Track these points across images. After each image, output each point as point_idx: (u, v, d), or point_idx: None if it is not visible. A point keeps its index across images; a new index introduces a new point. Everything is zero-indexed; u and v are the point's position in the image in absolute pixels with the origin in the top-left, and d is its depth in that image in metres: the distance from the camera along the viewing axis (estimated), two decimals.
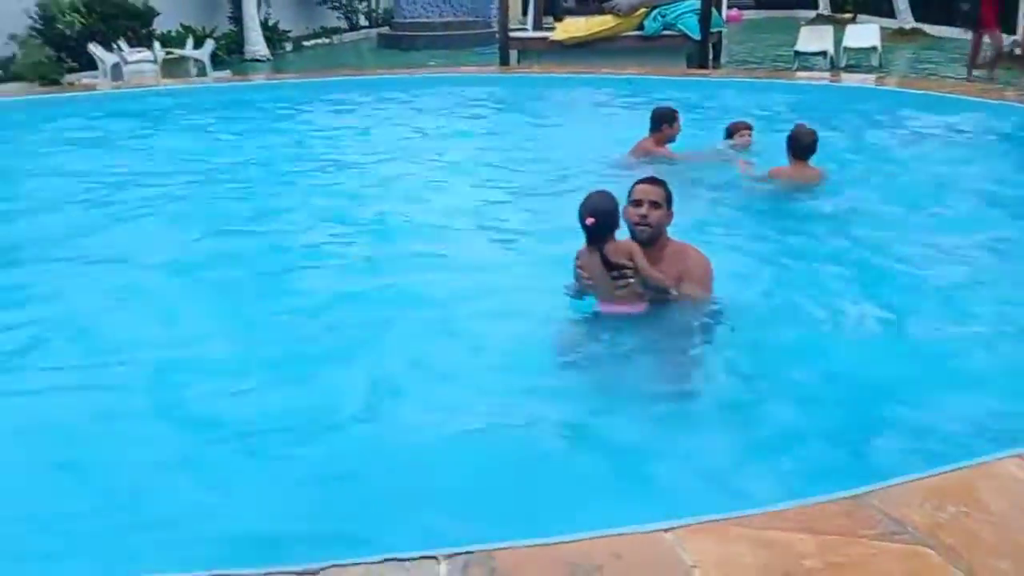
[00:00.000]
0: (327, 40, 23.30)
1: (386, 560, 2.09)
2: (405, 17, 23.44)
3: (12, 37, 13.88)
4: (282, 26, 21.11)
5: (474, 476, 2.85)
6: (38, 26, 14.58)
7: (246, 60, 18.65)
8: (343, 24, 25.44)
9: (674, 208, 3.79)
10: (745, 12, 28.39)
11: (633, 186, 3.77)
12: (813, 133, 6.03)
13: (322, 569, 2.07)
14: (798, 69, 13.87)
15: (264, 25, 19.76)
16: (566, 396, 3.42)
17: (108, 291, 4.61)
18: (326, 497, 2.79)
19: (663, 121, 6.74)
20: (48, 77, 13.07)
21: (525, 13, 16.08)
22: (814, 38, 14.60)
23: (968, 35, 13.50)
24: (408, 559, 2.09)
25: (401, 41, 21.75)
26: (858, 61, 14.46)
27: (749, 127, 7.18)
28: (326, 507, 2.74)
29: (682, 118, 6.84)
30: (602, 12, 14.49)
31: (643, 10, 13.95)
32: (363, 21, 26.34)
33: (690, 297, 3.73)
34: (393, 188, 6.78)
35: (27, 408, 3.40)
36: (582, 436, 3.14)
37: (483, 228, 5.59)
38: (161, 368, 3.65)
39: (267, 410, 3.31)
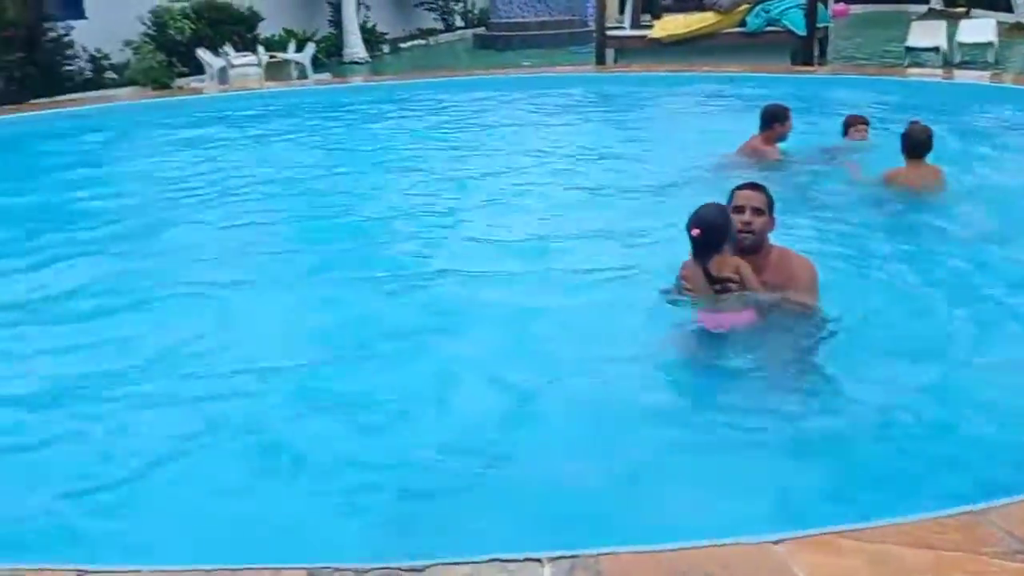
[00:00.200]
0: (423, 41, 23.65)
1: (491, 560, 2.08)
2: (501, 17, 23.58)
3: (127, 43, 14.54)
4: (379, 28, 21.54)
5: (577, 481, 2.81)
6: (151, 32, 15.24)
7: (345, 62, 19.09)
8: (439, 25, 25.78)
9: (780, 214, 3.69)
10: (852, 7, 27.52)
11: (734, 192, 3.70)
12: (928, 130, 5.77)
13: (428, 567, 2.07)
14: (909, 65, 13.35)
15: (362, 28, 20.19)
16: (669, 404, 3.36)
17: (208, 287, 4.76)
18: (433, 496, 2.80)
19: (774, 119, 6.50)
20: (159, 81, 13.65)
21: (622, 11, 15.95)
22: (926, 33, 14.02)
23: None
24: (512, 560, 2.07)
25: (497, 41, 21.89)
26: (973, 57, 13.82)
27: (866, 122, 6.97)
28: (434, 506, 2.75)
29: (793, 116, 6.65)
30: (702, 9, 14.25)
31: (745, 6, 13.65)
32: (459, 22, 26.63)
33: (796, 306, 3.61)
34: (489, 189, 6.78)
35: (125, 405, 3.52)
36: (685, 445, 3.07)
37: (581, 231, 5.50)
38: (266, 372, 3.68)
39: (377, 411, 3.34)
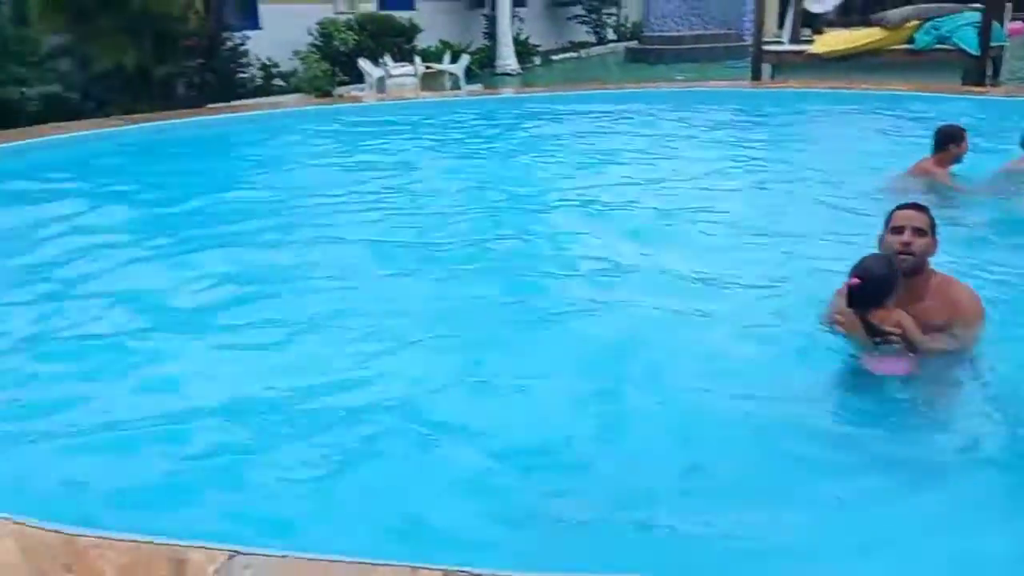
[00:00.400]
0: (575, 54, 23.79)
1: None
2: (654, 31, 23.44)
3: (295, 53, 15.35)
4: (532, 41, 21.81)
5: (707, 511, 2.74)
6: (317, 43, 16.02)
7: (497, 74, 19.43)
8: (591, 38, 25.87)
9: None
10: None
11: (893, 212, 3.54)
12: None
13: None
14: None
15: (516, 40, 20.50)
16: (816, 440, 3.17)
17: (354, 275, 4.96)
18: (573, 508, 2.79)
19: (949, 140, 6.11)
20: (322, 89, 14.31)
21: (781, 26, 15.49)
22: None
23: None
24: None
25: (649, 55, 21.76)
26: None
27: None
28: (571, 517, 2.74)
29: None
30: (867, 24, 13.67)
31: (913, 22, 13.02)
32: (611, 35, 26.64)
33: (961, 342, 3.40)
34: (634, 205, 6.70)
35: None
36: (826, 490, 2.87)
37: (732, 252, 5.34)
38: (411, 379, 3.74)
39: (509, 426, 3.34)
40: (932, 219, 3.51)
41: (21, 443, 3.25)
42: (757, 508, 2.76)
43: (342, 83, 15.17)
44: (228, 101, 13.38)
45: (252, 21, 15.83)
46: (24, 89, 10.93)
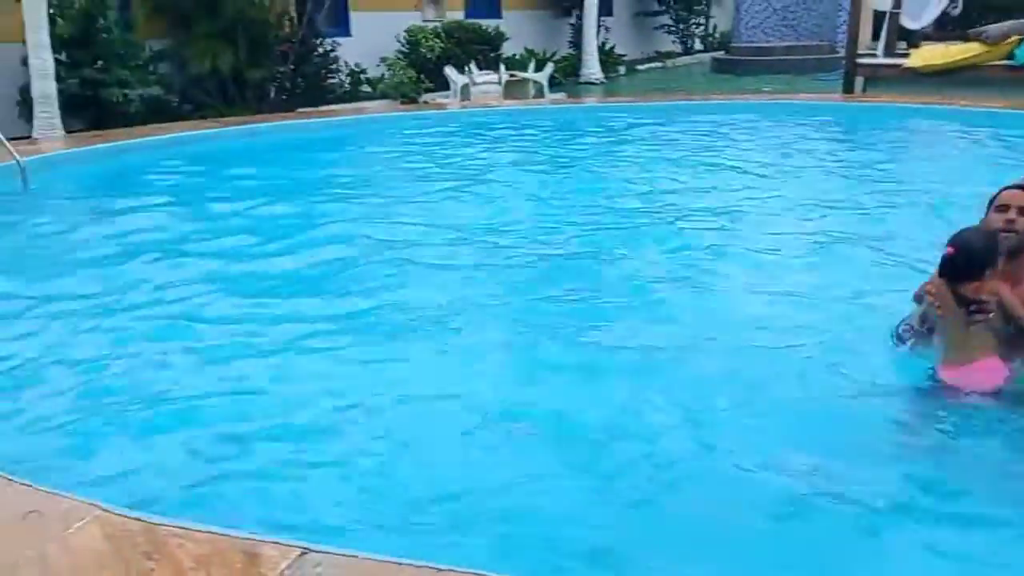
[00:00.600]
0: (660, 64, 23.62)
1: None
2: (743, 41, 23.11)
3: (383, 59, 15.65)
4: (618, 50, 21.74)
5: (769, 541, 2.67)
6: (404, 50, 16.30)
7: (581, 83, 19.42)
8: (678, 48, 25.64)
9: None
10: None
11: (999, 192, 3.47)
12: None
13: None
14: None
15: (601, 49, 20.47)
16: (891, 473, 3.03)
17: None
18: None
19: None
20: (408, 95, 14.55)
21: (876, 38, 15.07)
22: None
23: None
24: None
25: (737, 66, 21.43)
26: None
27: None
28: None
29: None
30: (965, 39, 13.22)
31: (1015, 38, 12.51)
32: (698, 45, 26.36)
33: None
34: (716, 217, 6.59)
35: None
36: (904, 529, 2.73)
37: (817, 272, 5.19)
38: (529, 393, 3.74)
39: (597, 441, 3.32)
40: None
41: (114, 432, 3.38)
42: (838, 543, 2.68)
43: (427, 90, 15.39)
44: (317, 106, 13.72)
45: (343, 28, 16.22)
46: (127, 91, 11.41)
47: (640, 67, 22.68)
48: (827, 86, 15.59)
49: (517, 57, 17.95)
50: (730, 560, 2.58)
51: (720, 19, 27.35)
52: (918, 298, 3.47)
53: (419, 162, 9.57)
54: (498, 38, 17.92)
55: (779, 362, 3.87)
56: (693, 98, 14.35)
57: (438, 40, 16.52)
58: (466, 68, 15.44)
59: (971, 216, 3.61)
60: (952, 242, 3.20)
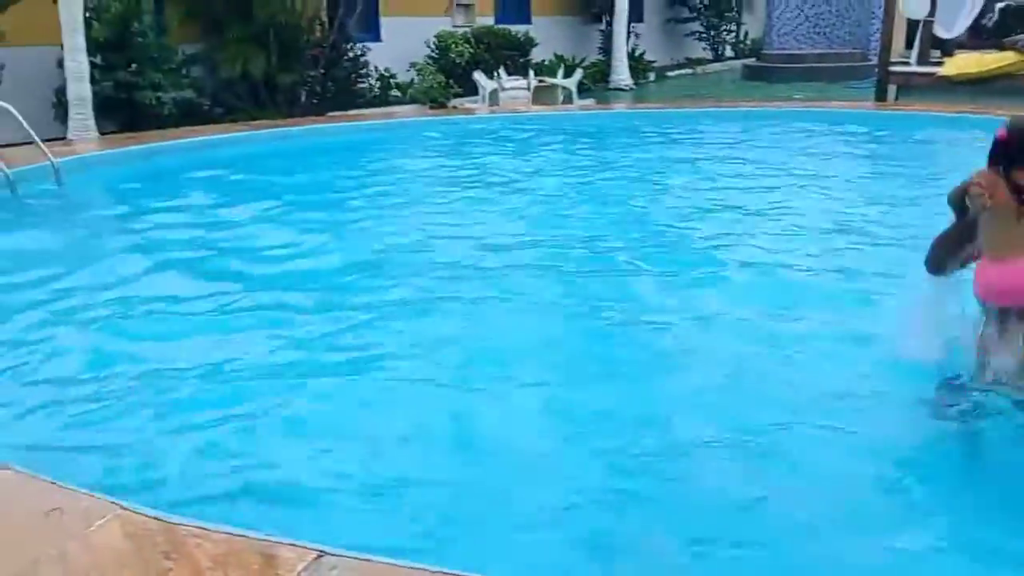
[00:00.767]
0: (690, 71, 23.51)
1: None
2: (775, 48, 22.95)
3: (412, 64, 15.72)
4: (648, 56, 21.68)
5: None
6: (434, 55, 16.36)
7: (610, 89, 19.38)
8: (708, 55, 25.52)
9: None
10: None
11: None
12: None
13: None
14: None
15: (630, 55, 20.42)
16: (937, 494, 2.98)
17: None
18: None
19: None
20: (437, 100, 14.59)
21: (909, 46, 14.90)
22: None
23: None
24: None
25: (768, 73, 21.26)
26: None
27: None
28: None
29: None
30: (1000, 48, 13.04)
31: None
32: (729, 52, 26.22)
33: None
34: (744, 225, 6.54)
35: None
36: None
37: (848, 283, 5.11)
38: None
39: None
40: None
41: (145, 434, 3.41)
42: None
43: (456, 95, 15.42)
44: (346, 110, 13.80)
45: (374, 33, 16.32)
46: (160, 94, 11.55)
47: (670, 74, 22.59)
48: (859, 94, 15.43)
49: (546, 63, 17.94)
50: (736, 560, 2.58)
51: (751, 26, 27.20)
52: (954, 199, 3.11)
53: (446, 167, 9.59)
54: (527, 44, 17.92)
55: (825, 372, 3.85)
56: (722, 104, 14.26)
57: (467, 45, 16.56)
58: (495, 73, 15.46)
59: None
60: (1006, 125, 2.99)
